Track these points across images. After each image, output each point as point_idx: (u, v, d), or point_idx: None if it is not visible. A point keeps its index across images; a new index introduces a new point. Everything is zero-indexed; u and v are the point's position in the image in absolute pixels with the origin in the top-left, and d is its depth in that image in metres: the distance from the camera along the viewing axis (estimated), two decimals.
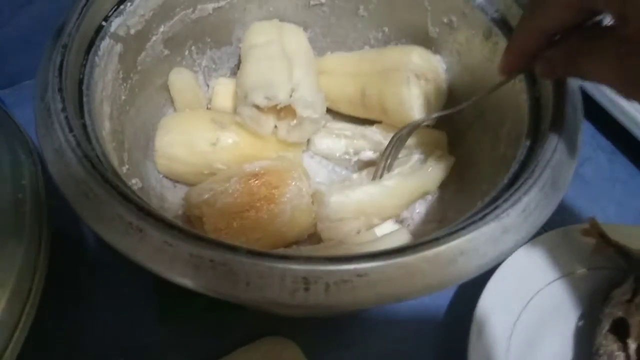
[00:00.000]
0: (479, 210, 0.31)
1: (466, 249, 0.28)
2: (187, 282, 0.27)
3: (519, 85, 0.38)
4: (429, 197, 0.48)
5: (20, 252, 0.26)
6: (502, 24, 0.42)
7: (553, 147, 0.32)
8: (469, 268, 0.28)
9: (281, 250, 0.40)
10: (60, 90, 0.33)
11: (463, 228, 0.28)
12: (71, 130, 0.31)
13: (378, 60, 0.48)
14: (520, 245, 0.30)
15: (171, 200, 0.47)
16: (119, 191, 0.29)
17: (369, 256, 0.27)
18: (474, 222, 0.29)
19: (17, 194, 0.28)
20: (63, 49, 0.35)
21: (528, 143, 0.35)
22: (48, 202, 0.31)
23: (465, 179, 0.46)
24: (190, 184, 0.47)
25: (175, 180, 0.48)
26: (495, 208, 0.30)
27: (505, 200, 0.30)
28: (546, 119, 0.35)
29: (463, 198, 0.46)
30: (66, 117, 0.31)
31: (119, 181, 0.30)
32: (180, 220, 0.46)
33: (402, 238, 0.41)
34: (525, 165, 0.34)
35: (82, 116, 0.34)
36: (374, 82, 0.47)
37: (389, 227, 0.44)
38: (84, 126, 0.33)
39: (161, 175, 0.47)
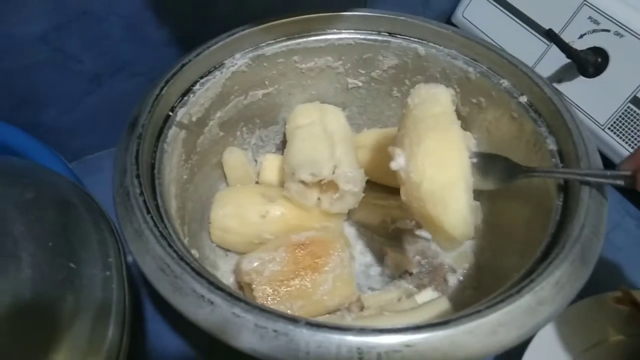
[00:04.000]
0: (515, 284, 0.34)
1: (505, 320, 0.30)
2: (252, 349, 0.30)
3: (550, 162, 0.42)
4: (466, 265, 0.51)
5: (110, 328, 0.30)
6: (528, 106, 0.46)
7: (581, 222, 0.35)
8: (508, 338, 0.30)
9: (337, 322, 0.43)
10: (137, 176, 0.37)
11: (502, 301, 0.31)
12: (149, 212, 0.35)
13: None
14: (555, 317, 0.32)
15: (223, 268, 0.51)
16: (192, 267, 0.32)
17: (416, 328, 0.30)
18: (511, 295, 0.32)
19: (105, 271, 0.32)
20: (138, 139, 0.40)
21: (558, 217, 0.38)
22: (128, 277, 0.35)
23: (499, 247, 0.49)
24: (240, 253, 0.51)
25: (227, 249, 0.52)
26: (531, 282, 0.32)
27: (539, 274, 0.33)
28: (574, 193, 0.38)
29: (498, 266, 0.48)
30: (144, 200, 0.36)
31: (192, 258, 0.34)
32: (232, 287, 0.49)
33: (442, 306, 0.43)
34: (556, 238, 0.36)
35: (155, 198, 0.38)
36: None
37: (428, 295, 0.47)
38: (157, 207, 0.38)
39: (214, 245, 0.51)
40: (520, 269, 0.39)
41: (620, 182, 0.36)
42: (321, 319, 0.44)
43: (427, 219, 0.38)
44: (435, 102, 0.41)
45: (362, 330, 0.30)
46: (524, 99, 0.47)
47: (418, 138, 0.39)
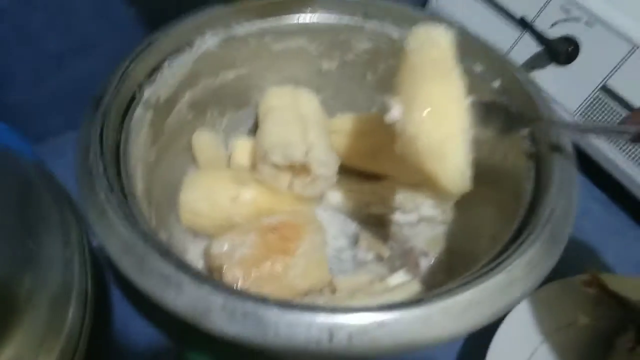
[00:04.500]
0: (487, 263, 0.34)
1: (477, 299, 0.30)
2: (221, 331, 0.29)
3: (521, 145, 0.42)
4: (438, 249, 0.51)
5: (71, 311, 0.29)
6: (501, 91, 0.46)
7: (552, 203, 0.36)
8: (481, 317, 0.30)
9: (307, 302, 0.42)
10: (101, 154, 0.36)
11: (474, 280, 0.31)
12: (112, 191, 0.34)
13: None
14: (527, 296, 0.32)
15: (193, 252, 0.50)
16: (158, 248, 0.31)
17: (388, 307, 0.29)
18: (483, 274, 0.31)
19: (65, 251, 0.31)
20: (102, 117, 0.38)
21: (529, 199, 0.38)
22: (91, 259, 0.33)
23: (471, 232, 0.49)
24: (210, 236, 0.50)
25: (197, 232, 0.50)
26: (502, 261, 0.32)
27: (511, 254, 0.33)
28: (545, 176, 0.38)
29: (469, 250, 0.48)
30: (107, 179, 0.35)
31: (158, 239, 0.33)
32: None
33: (414, 288, 0.43)
34: (527, 219, 0.36)
35: (119, 178, 0.37)
36: (388, 139, 0.51)
37: (400, 278, 0.46)
38: (122, 187, 0.36)
39: (184, 228, 0.50)
40: (492, 244, 0.39)
41: (627, 136, 0.36)
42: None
43: (424, 173, 0.37)
44: (433, 45, 0.39)
45: (333, 310, 0.29)
46: (496, 84, 0.47)
47: (414, 88, 0.37)
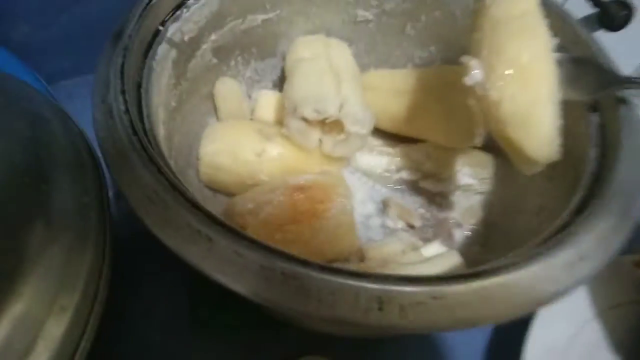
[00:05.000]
0: (550, 236, 0.30)
1: (543, 275, 0.27)
2: (255, 294, 0.26)
3: (582, 113, 0.38)
4: (473, 220, 0.47)
5: (87, 262, 0.25)
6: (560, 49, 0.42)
7: (622, 172, 0.32)
8: (545, 294, 0.27)
9: (355, 267, 0.39)
10: (122, 92, 0.32)
11: (540, 254, 0.28)
12: (135, 134, 0.30)
13: (434, 78, 0.47)
14: (596, 273, 0.29)
15: (212, 210, 0.46)
16: (186, 197, 0.28)
17: (445, 279, 0.26)
18: (549, 248, 0.28)
19: (82, 197, 0.27)
20: (124, 50, 0.34)
21: (592, 168, 0.34)
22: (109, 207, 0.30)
23: (511, 203, 0.45)
24: (231, 194, 0.46)
25: (217, 189, 0.47)
26: (570, 234, 0.29)
27: (578, 228, 0.29)
28: (612, 142, 0.34)
29: (508, 223, 0.45)
30: (130, 120, 0.31)
31: (185, 187, 0.29)
32: None
33: (454, 260, 0.40)
34: (592, 192, 0.33)
35: (142, 119, 0.33)
36: (427, 99, 0.47)
37: (435, 248, 0.43)
38: (144, 130, 0.32)
39: (202, 185, 0.46)
40: (536, 228, 0.36)
41: None
42: None
43: (507, 142, 0.33)
44: None
45: (385, 278, 0.26)
46: (555, 41, 0.42)
47: (498, 46, 0.32)
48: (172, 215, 0.27)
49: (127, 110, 0.31)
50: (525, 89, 0.31)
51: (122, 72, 0.33)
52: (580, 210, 0.32)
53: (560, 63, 0.33)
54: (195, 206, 0.27)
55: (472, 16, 0.36)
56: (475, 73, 0.33)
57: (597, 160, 0.35)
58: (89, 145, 0.32)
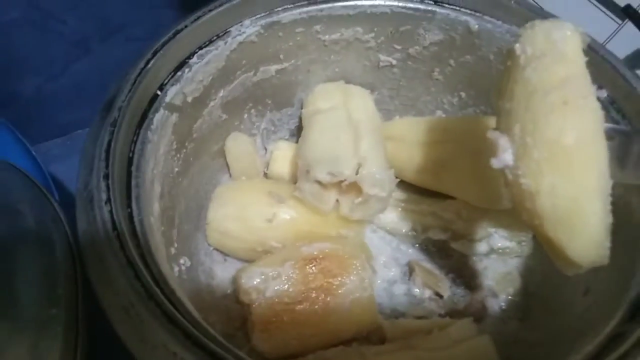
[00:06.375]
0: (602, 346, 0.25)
1: None
2: None
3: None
4: (511, 289, 0.42)
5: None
6: (608, 104, 0.36)
7: None
8: None
9: (352, 357, 0.35)
10: (106, 177, 0.29)
11: None
12: (115, 229, 0.27)
13: (465, 129, 0.42)
14: None
15: (221, 276, 0.43)
16: (163, 309, 0.24)
17: None
18: None
19: (51, 309, 0.24)
20: (112, 126, 0.32)
21: None
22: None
23: (555, 270, 0.40)
24: (240, 260, 0.43)
25: (226, 254, 0.44)
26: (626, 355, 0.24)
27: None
28: None
29: (551, 294, 0.40)
30: (110, 212, 0.28)
31: (167, 291, 0.26)
32: (230, 299, 0.42)
33: (484, 348, 0.35)
34: None
35: (129, 204, 0.30)
36: (455, 152, 0.42)
37: (465, 328, 0.38)
38: (131, 217, 0.29)
39: (212, 249, 0.43)
40: (582, 313, 0.31)
41: None
42: (332, 352, 0.37)
43: (544, 239, 0.27)
44: (559, 57, 0.27)
45: None
46: (603, 94, 0.37)
47: (534, 122, 0.26)
48: (148, 333, 0.24)
49: (108, 200, 0.28)
50: (569, 178, 0.25)
51: (107, 152, 0.30)
52: (634, 315, 0.26)
53: (610, 137, 0.27)
54: (173, 322, 0.24)
55: (503, 76, 0.30)
56: (505, 155, 0.27)
57: None
58: (68, 235, 0.30)
